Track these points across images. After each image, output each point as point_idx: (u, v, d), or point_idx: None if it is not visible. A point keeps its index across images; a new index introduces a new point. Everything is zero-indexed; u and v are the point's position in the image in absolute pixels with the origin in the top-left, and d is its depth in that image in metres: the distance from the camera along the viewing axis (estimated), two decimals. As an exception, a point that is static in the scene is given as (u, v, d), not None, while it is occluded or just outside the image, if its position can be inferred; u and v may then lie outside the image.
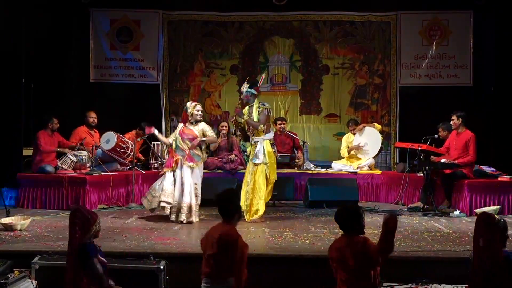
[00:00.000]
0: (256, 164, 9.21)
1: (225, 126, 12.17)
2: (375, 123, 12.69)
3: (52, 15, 12.35)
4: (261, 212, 9.20)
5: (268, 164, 9.24)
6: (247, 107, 9.53)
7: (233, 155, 11.87)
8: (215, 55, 13.90)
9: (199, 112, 9.32)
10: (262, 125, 9.23)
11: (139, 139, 11.59)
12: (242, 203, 9.05)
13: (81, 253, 5.14)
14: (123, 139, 11.32)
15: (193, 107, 9.31)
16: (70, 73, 13.15)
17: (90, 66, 13.50)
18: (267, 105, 9.46)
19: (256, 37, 13.86)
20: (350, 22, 13.71)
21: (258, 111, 9.28)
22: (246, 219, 9.03)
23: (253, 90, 9.38)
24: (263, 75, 10.18)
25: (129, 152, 11.27)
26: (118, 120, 12.52)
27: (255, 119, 9.27)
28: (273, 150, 9.45)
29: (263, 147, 9.24)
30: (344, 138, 12.70)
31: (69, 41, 13.04)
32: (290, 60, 13.88)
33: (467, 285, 5.69)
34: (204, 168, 11.56)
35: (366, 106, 13.76)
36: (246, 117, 9.36)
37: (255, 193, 9.16)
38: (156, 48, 13.69)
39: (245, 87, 9.42)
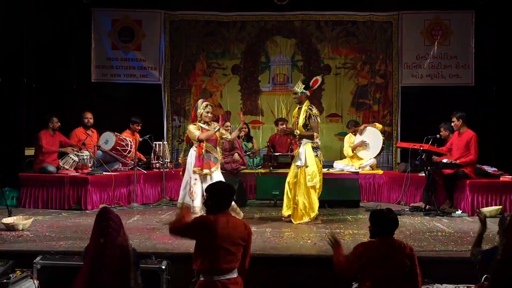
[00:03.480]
0: (298, 167, 9.11)
1: (227, 127, 12.13)
2: (376, 123, 12.67)
3: (54, 15, 12.35)
4: (312, 214, 9.05)
5: (310, 169, 9.04)
6: (296, 109, 9.39)
7: (236, 154, 11.85)
8: (217, 55, 13.89)
9: (209, 114, 9.07)
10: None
11: (140, 139, 11.58)
12: (285, 207, 9.06)
13: (134, 257, 4.94)
14: (121, 137, 11.34)
15: (203, 108, 9.07)
16: (71, 73, 13.14)
17: (91, 66, 13.49)
18: (314, 110, 9.23)
19: (257, 37, 13.86)
20: (351, 22, 13.69)
21: (306, 116, 9.11)
22: (294, 222, 9.00)
23: (307, 92, 9.27)
24: (318, 77, 9.59)
25: (129, 148, 11.29)
26: (120, 120, 12.49)
27: (301, 121, 9.12)
28: (315, 154, 9.13)
29: (305, 149, 9.11)
30: (346, 139, 12.68)
31: (70, 41, 13.04)
32: (291, 60, 13.87)
33: (470, 285, 5.68)
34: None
35: (367, 106, 13.76)
36: (300, 120, 9.18)
37: (299, 195, 9.06)
38: (158, 48, 13.69)
39: (300, 87, 9.22)
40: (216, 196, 5.24)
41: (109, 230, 4.77)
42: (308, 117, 9.12)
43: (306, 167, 9.03)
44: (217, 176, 8.82)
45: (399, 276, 4.92)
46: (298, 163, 9.08)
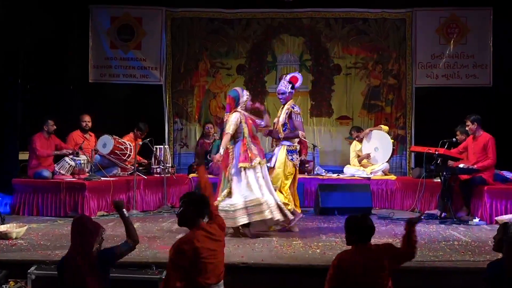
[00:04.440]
0: (269, 167, 9.06)
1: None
2: (381, 125, 12.70)
3: (50, 12, 12.34)
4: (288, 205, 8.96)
5: (275, 171, 9.08)
6: (281, 108, 9.46)
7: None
8: (221, 54, 13.90)
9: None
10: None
11: (140, 143, 11.59)
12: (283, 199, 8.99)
13: (104, 259, 5.10)
14: (119, 140, 11.34)
15: (248, 95, 8.92)
16: (68, 73, 13.17)
17: (89, 65, 13.52)
18: (296, 108, 9.26)
19: (264, 35, 13.86)
20: (363, 19, 13.68)
21: (286, 115, 9.15)
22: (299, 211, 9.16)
23: (293, 91, 9.37)
24: (297, 75, 9.59)
25: (128, 152, 11.29)
26: (119, 123, 12.53)
27: (281, 121, 9.18)
28: (290, 158, 9.11)
29: (279, 151, 9.16)
30: (351, 147, 12.68)
31: (67, 40, 13.07)
32: (299, 59, 13.87)
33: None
34: (210, 173, 11.61)
35: (380, 108, 13.74)
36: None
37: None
38: (159, 47, 13.70)
39: (288, 87, 9.27)
40: (191, 207, 5.30)
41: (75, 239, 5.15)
42: (289, 116, 9.15)
43: (273, 168, 9.08)
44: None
45: (378, 280, 4.95)
46: (268, 163, 9.10)
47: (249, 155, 8.54)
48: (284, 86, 9.30)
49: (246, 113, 8.81)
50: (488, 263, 5.30)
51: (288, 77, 9.45)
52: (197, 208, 5.28)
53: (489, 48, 13.21)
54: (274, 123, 9.42)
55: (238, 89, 9.03)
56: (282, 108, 9.34)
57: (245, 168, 8.50)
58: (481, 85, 13.25)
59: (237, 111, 8.71)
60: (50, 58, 12.46)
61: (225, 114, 8.96)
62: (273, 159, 9.17)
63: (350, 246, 5.14)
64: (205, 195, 5.58)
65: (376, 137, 12.29)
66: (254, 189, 8.43)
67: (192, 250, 5.07)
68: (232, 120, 8.63)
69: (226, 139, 8.60)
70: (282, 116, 9.22)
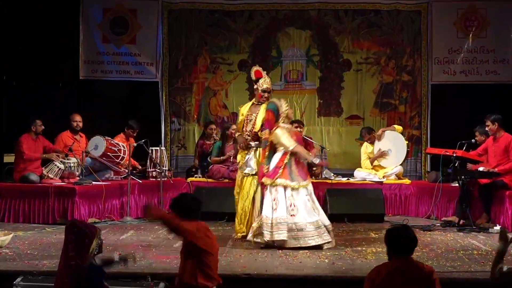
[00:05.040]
0: (247, 174, 9.07)
1: (234, 129, 12.12)
2: (394, 125, 12.66)
3: (37, 4, 12.37)
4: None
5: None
6: (248, 107, 9.39)
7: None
8: (222, 48, 13.90)
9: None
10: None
11: (135, 144, 11.59)
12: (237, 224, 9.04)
13: (89, 277, 5.07)
14: (112, 142, 11.34)
15: (286, 106, 8.86)
16: (57, 69, 13.16)
17: (80, 61, 13.51)
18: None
19: (268, 28, 13.85)
20: (374, 11, 13.68)
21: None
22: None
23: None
24: (259, 68, 9.60)
25: (122, 154, 11.28)
26: (111, 123, 12.54)
27: (260, 122, 9.10)
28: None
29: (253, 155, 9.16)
30: (362, 149, 12.60)
31: (56, 33, 13.05)
32: (306, 54, 13.87)
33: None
34: (210, 177, 11.62)
35: (393, 107, 13.72)
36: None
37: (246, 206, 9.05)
38: (155, 41, 13.71)
39: (270, 84, 9.33)
40: (180, 211, 5.35)
41: (66, 246, 5.05)
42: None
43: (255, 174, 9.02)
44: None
45: None
46: (247, 170, 9.05)
47: (280, 172, 8.48)
48: (267, 83, 9.34)
49: (289, 127, 8.87)
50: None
51: (253, 71, 9.55)
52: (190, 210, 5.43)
53: (511, 42, 13.21)
54: (244, 123, 9.30)
55: (275, 100, 8.99)
56: (256, 105, 9.26)
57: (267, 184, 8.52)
58: (502, 81, 13.25)
59: (279, 127, 8.68)
60: (38, 53, 12.49)
61: (263, 132, 8.93)
62: (251, 165, 9.09)
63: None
64: (196, 198, 5.71)
65: (389, 138, 12.25)
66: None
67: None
68: (282, 133, 8.59)
69: (302, 149, 8.73)
70: (260, 117, 9.15)
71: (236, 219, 9.20)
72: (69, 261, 5.00)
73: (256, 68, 9.60)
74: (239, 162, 9.37)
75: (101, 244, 5.26)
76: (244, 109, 9.44)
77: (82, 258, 5.02)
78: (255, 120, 9.21)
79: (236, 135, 9.37)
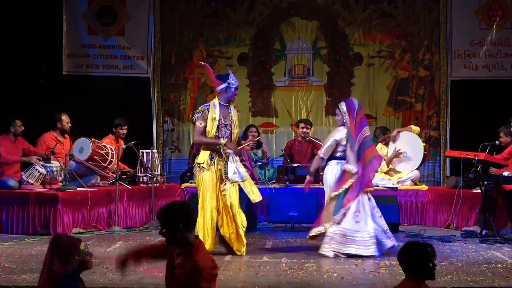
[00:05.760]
0: (232, 182, 8.93)
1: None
2: (411, 126, 12.61)
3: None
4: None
5: (249, 181, 9.11)
6: (217, 109, 9.03)
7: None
8: (220, 41, 13.93)
9: None
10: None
11: (124, 147, 11.57)
12: (226, 233, 8.93)
13: None
14: (99, 144, 11.33)
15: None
16: (38, 64, 13.16)
17: (63, 55, 13.54)
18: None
19: (270, 18, 13.88)
20: (388, -1, 13.73)
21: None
22: (241, 253, 8.84)
23: None
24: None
25: (109, 158, 11.27)
26: (98, 123, 12.55)
27: (238, 129, 9.14)
28: None
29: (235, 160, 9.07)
30: (376, 151, 12.60)
31: (36, 24, 13.03)
32: (313, 47, 13.89)
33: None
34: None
35: (408, 105, 13.73)
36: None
37: (237, 216, 8.91)
38: (146, 33, 13.74)
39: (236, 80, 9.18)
40: (169, 221, 5.24)
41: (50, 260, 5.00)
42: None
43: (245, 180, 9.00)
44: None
45: None
46: (236, 177, 8.95)
47: None
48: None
49: None
50: None
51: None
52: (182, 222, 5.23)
53: (539, 33, 13.24)
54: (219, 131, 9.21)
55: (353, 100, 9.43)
56: (226, 107, 9.04)
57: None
58: (529, 77, 13.28)
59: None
60: (16, 46, 12.47)
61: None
62: (240, 171, 9.00)
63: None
64: (186, 203, 5.51)
65: (404, 140, 12.19)
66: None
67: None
68: None
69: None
70: (237, 122, 9.16)
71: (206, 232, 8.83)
72: (52, 276, 5.00)
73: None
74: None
75: (87, 259, 5.22)
76: (214, 112, 8.92)
77: (66, 273, 5.02)
78: (232, 124, 9.05)
79: (223, 141, 9.05)
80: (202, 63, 9.82)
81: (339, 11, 13.78)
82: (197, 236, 5.06)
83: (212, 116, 8.87)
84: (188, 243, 5.00)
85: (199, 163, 8.79)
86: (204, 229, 8.66)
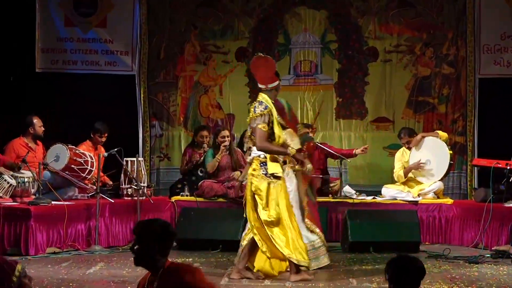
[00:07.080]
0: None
1: (227, 137, 12.09)
2: (438, 131, 12.57)
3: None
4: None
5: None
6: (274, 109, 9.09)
7: (239, 173, 11.83)
8: (215, 33, 13.95)
9: None
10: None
11: (105, 154, 11.58)
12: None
13: None
14: (77, 151, 11.34)
15: None
16: (7, 60, 13.18)
17: (36, 49, 13.56)
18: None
19: (273, 8, 13.91)
20: (408, -14, 13.76)
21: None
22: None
23: None
24: None
25: (89, 167, 11.27)
26: (76, 127, 12.56)
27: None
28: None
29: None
30: (397, 156, 12.56)
31: (5, 15, 13.07)
32: (321, 40, 13.91)
33: None
34: (200, 196, 11.63)
35: (431, 107, 13.75)
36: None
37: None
38: (131, 24, 13.77)
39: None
40: (145, 239, 5.24)
41: None
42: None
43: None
44: None
45: None
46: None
47: None
48: None
49: None
50: None
51: None
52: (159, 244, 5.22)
53: None
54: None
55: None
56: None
57: None
58: None
59: None
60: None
61: None
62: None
63: None
64: (168, 225, 5.48)
65: (429, 147, 12.15)
66: None
67: None
68: None
69: None
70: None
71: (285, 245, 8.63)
72: None
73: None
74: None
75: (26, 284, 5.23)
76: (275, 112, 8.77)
77: None
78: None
79: (293, 151, 8.90)
80: (262, 55, 9.50)
81: (352, 0, 13.80)
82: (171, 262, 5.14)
83: (277, 119, 8.70)
84: (158, 267, 5.08)
85: (275, 173, 8.54)
86: (297, 243, 8.47)
